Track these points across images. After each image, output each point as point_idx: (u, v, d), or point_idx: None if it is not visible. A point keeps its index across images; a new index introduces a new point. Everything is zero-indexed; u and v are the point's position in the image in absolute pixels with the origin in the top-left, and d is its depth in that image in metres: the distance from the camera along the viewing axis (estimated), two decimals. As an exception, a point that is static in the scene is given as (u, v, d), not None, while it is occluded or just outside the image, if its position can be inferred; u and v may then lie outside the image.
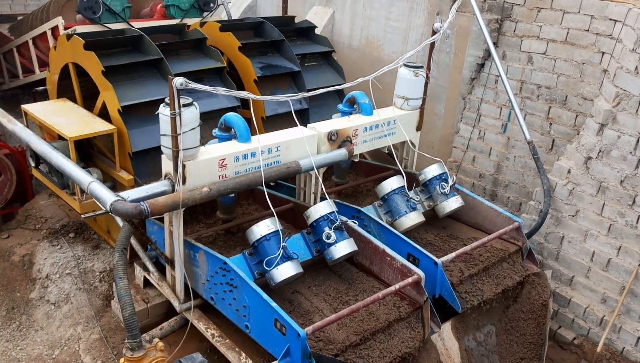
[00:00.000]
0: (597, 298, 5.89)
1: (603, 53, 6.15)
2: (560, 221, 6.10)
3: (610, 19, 6.02)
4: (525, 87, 6.85)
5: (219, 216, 5.72)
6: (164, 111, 4.56)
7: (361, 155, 6.47)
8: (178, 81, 4.30)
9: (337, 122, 5.83)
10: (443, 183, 5.85)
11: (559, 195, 6.07)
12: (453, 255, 5.11)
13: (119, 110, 5.94)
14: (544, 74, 6.68)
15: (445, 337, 4.88)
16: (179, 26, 7.46)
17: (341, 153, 5.58)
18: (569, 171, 6.00)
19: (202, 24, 7.69)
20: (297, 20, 8.53)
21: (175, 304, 5.18)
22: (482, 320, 5.26)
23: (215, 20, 7.76)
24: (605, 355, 5.67)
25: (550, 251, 6.23)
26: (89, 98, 6.82)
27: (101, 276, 6.35)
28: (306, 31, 8.28)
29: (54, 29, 8.45)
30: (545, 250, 6.27)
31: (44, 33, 8.64)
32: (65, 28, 8.03)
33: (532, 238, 6.13)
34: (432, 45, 6.14)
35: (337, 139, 5.60)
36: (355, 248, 4.99)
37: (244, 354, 4.64)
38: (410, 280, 4.68)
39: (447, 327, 4.93)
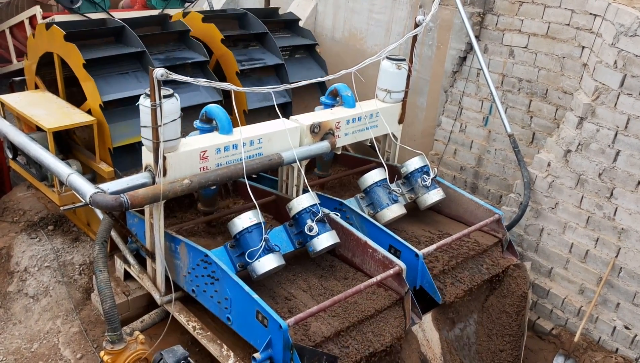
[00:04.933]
0: (575, 289, 5.99)
1: (583, 47, 6.22)
2: (540, 213, 6.18)
3: (590, 14, 6.09)
4: (507, 80, 6.91)
5: (200, 208, 5.69)
6: (144, 102, 4.51)
7: (344, 148, 6.48)
8: (159, 72, 4.25)
9: (320, 115, 5.82)
10: (424, 175, 5.89)
11: (538, 188, 6.14)
12: (434, 246, 5.15)
13: (100, 105, 5.85)
14: (525, 68, 6.74)
15: (426, 328, 4.93)
16: (161, 17, 7.35)
17: (324, 146, 5.58)
18: (548, 164, 6.08)
19: (184, 14, 7.60)
20: (280, 12, 8.47)
21: (156, 297, 5.15)
22: (462, 311, 5.32)
23: (198, 11, 7.67)
24: (582, 344, 5.78)
25: (530, 243, 6.32)
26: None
27: (81, 269, 6.27)
28: (290, 24, 8.23)
29: (32, 18, 8.29)
30: (525, 242, 6.36)
31: (22, 22, 8.48)
32: (43, 17, 7.87)
33: (512, 230, 6.21)
34: (415, 38, 6.15)
35: (319, 131, 5.59)
36: (337, 240, 5.00)
37: (225, 346, 4.63)
38: (391, 271, 4.71)
39: (427, 317, 4.98)
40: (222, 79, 7.17)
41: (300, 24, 8.43)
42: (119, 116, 6.01)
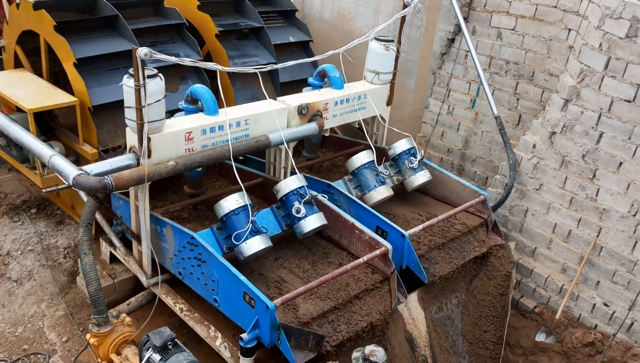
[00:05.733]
0: (558, 268, 6.10)
1: (569, 30, 6.23)
2: (525, 194, 6.24)
3: (577, -4, 6.09)
4: (494, 62, 6.91)
5: (187, 190, 5.64)
6: (127, 83, 4.43)
7: (332, 130, 6.45)
8: (142, 51, 4.18)
9: (308, 96, 5.78)
10: (412, 157, 5.90)
11: (524, 169, 6.20)
12: (420, 227, 5.19)
13: (89, 108, 5.75)
14: (512, 50, 6.74)
15: (412, 307, 4.99)
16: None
17: (311, 127, 5.55)
18: (534, 146, 6.12)
19: None
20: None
21: (143, 279, 5.13)
22: (447, 291, 5.39)
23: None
24: (563, 321, 5.90)
25: (515, 224, 6.40)
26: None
27: (65, 252, 6.21)
28: (287, 14, 8.13)
29: (9, -4, 8.05)
30: (509, 223, 6.43)
31: (-1, -1, 8.23)
32: (21, -6, 7.63)
33: (498, 211, 6.27)
34: (403, 19, 6.10)
35: (307, 113, 5.56)
36: (325, 222, 5.01)
37: (212, 327, 4.65)
38: (378, 252, 4.74)
39: (413, 297, 5.04)
40: (213, 75, 7.03)
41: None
42: (106, 116, 5.91)
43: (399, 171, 5.98)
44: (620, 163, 5.47)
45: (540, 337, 5.98)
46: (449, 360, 5.21)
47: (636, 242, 5.47)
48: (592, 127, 5.61)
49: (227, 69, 5.04)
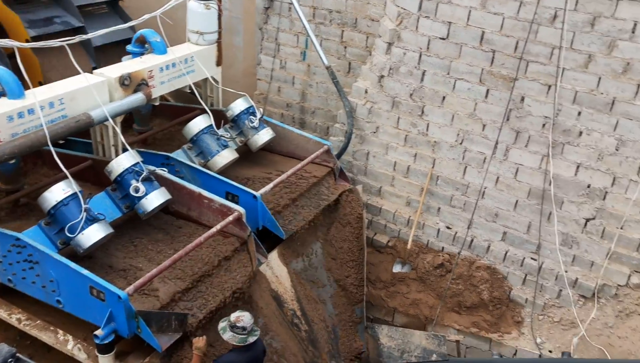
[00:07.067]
0: (403, 203, 6.55)
1: (383, -26, 6.50)
2: (364, 138, 6.54)
3: (387, -59, 6.33)
4: (318, 12, 6.99)
5: (2, 187, 4.91)
6: None
7: (162, 97, 6.05)
8: None
9: (129, 65, 5.32)
10: (251, 116, 5.80)
11: (360, 115, 6.46)
12: (270, 185, 5.17)
13: None
14: (333, -1, 6.86)
15: (274, 265, 5.01)
16: None
17: (138, 98, 5.13)
18: (366, 91, 6.38)
19: None
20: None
21: (-38, 298, 4.41)
22: (307, 242, 5.50)
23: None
24: (414, 250, 6.40)
25: (359, 168, 6.70)
26: None
27: None
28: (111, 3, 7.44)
29: None
30: (354, 167, 6.71)
31: None
32: None
33: (342, 158, 6.50)
34: (220, -26, 5.84)
35: (130, 83, 5.12)
36: (168, 196, 4.73)
37: (61, 331, 4.19)
38: (231, 218, 4.62)
39: (274, 255, 5.05)
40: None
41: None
42: None
43: (241, 132, 5.85)
44: (444, 97, 5.95)
45: (397, 268, 6.44)
46: (316, 308, 5.37)
47: (466, 167, 6.06)
48: (415, 67, 5.99)
49: (26, 45, 4.43)
